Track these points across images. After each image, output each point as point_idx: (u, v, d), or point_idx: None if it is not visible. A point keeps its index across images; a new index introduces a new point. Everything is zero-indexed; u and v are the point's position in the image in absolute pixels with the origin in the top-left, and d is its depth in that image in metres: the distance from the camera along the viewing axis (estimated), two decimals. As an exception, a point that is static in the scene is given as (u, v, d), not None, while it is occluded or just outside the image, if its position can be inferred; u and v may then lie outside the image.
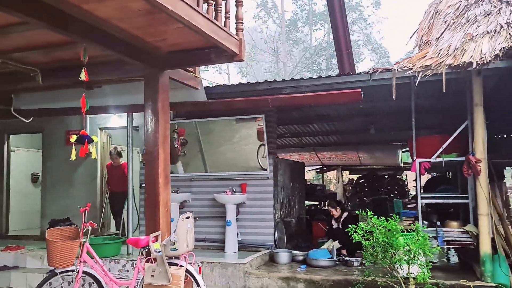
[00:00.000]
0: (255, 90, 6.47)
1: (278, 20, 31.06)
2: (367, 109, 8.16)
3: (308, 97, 5.77)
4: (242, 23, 4.49)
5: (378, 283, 4.56)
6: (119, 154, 8.18)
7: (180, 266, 4.11)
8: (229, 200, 6.93)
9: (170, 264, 4.11)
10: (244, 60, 4.51)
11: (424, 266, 4.28)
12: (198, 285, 4.17)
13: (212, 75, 32.10)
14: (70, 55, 4.64)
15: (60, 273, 4.34)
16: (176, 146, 7.67)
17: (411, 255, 4.29)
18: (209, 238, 7.28)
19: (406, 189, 15.48)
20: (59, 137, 8.47)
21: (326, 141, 12.21)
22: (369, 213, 4.51)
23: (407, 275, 4.36)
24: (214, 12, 4.16)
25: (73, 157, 3.96)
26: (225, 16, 4.32)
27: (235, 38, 4.40)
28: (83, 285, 5.26)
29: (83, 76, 3.89)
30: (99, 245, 6.17)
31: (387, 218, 4.42)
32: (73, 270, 4.36)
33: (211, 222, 7.30)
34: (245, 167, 7.35)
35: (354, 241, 4.41)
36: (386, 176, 18.28)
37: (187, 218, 4.23)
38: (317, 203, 12.34)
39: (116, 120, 8.19)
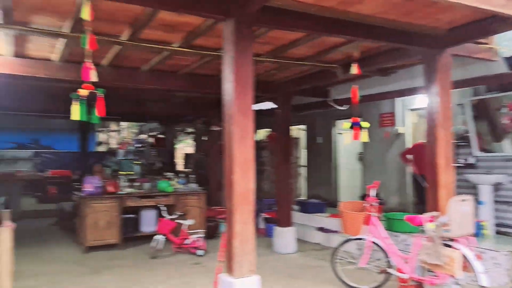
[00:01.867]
0: None
1: None
2: None
3: None
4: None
5: None
6: None
7: (455, 249, 4.03)
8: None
9: (445, 245, 4.10)
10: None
11: None
12: (475, 271, 3.98)
13: None
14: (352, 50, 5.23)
15: (351, 239, 5.06)
16: (505, 122, 7.00)
17: None
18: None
19: None
20: (374, 120, 9.26)
21: None
22: None
23: None
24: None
25: (347, 141, 4.53)
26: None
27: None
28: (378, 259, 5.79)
29: (354, 70, 4.37)
30: (398, 221, 6.59)
31: None
32: (361, 239, 4.98)
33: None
34: None
35: None
36: None
37: (463, 201, 4.07)
38: None
39: (424, 100, 8.23)
